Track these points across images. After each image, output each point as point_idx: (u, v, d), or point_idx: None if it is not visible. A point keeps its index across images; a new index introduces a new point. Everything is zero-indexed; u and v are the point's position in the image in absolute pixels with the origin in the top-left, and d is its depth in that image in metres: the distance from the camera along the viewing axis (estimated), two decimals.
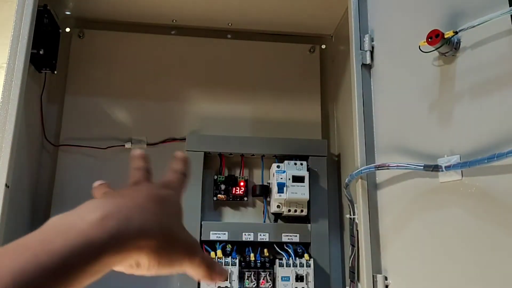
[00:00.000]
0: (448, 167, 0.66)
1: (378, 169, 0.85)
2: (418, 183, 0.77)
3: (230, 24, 1.26)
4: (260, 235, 1.09)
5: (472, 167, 0.61)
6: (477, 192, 0.63)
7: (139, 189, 0.40)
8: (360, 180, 0.91)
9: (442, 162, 0.69)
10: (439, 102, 0.74)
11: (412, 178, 0.79)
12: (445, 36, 0.68)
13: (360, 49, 0.97)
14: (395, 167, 0.79)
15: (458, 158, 0.67)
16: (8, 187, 0.82)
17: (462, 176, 0.66)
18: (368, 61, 0.96)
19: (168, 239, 0.35)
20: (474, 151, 0.64)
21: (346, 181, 0.93)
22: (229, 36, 1.29)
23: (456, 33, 0.67)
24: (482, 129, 0.63)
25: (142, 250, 0.34)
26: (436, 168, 0.69)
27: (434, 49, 0.70)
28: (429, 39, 0.69)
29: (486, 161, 0.57)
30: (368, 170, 0.88)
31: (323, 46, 1.32)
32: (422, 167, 0.72)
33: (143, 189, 0.39)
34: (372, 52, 0.97)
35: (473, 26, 0.64)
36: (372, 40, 0.97)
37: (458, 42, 0.69)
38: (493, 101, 0.61)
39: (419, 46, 0.73)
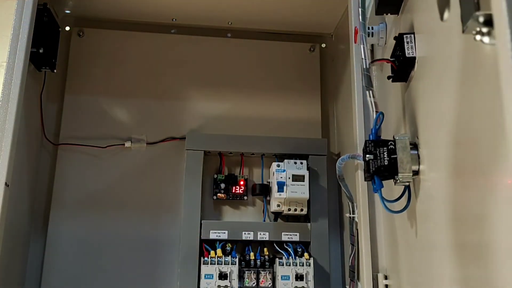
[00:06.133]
0: None
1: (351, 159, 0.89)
2: None
3: (230, 23, 1.26)
4: (260, 234, 1.09)
5: None
6: None
7: None
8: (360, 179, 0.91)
9: None
10: None
11: None
12: None
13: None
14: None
15: None
16: (8, 185, 0.82)
17: None
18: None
19: None
20: None
21: (337, 173, 0.94)
22: (229, 35, 1.29)
23: None
24: None
25: None
26: None
27: None
28: None
29: None
30: (343, 160, 0.92)
31: (323, 45, 1.32)
32: None
33: None
34: (372, 51, 0.97)
35: None
36: None
37: None
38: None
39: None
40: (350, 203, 0.97)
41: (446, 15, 0.59)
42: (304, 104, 1.25)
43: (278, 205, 1.11)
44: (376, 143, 0.70)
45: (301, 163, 1.13)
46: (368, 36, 0.83)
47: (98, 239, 1.10)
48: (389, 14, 0.82)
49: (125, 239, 1.11)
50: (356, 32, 0.78)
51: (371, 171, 0.69)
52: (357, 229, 0.93)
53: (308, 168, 1.12)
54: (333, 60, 1.30)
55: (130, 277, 1.09)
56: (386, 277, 0.87)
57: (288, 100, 1.25)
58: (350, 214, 0.97)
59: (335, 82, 1.28)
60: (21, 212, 1.04)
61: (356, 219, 0.94)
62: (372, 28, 0.85)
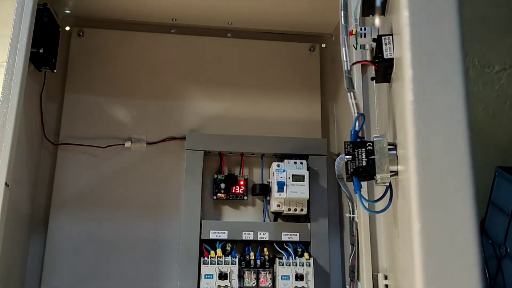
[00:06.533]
0: None
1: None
2: None
3: (230, 23, 1.26)
4: (260, 234, 1.09)
5: None
6: None
7: None
8: None
9: None
10: None
11: None
12: None
13: (361, 48, 0.97)
14: None
15: None
16: (8, 185, 0.82)
17: None
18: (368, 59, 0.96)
19: None
20: None
21: (336, 173, 0.94)
22: (229, 35, 1.29)
23: None
24: None
25: None
26: None
27: None
28: None
29: None
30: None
31: (323, 45, 1.32)
32: None
33: None
34: (372, 51, 0.97)
35: None
36: None
37: None
38: None
39: None
40: (350, 203, 0.97)
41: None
42: (304, 104, 1.25)
43: (278, 205, 1.11)
44: (354, 144, 0.70)
45: (301, 163, 1.13)
46: (361, 37, 0.83)
47: (98, 239, 1.10)
48: (375, 15, 0.82)
49: (125, 239, 1.11)
50: (350, 34, 0.78)
51: (349, 172, 0.70)
52: (357, 229, 0.93)
53: (308, 168, 1.12)
54: (333, 60, 1.30)
55: (130, 277, 1.09)
56: (386, 277, 0.87)
57: (288, 100, 1.25)
58: (350, 214, 0.97)
59: (335, 82, 1.28)
60: (21, 212, 1.04)
61: (356, 219, 0.94)
62: (365, 29, 0.85)
